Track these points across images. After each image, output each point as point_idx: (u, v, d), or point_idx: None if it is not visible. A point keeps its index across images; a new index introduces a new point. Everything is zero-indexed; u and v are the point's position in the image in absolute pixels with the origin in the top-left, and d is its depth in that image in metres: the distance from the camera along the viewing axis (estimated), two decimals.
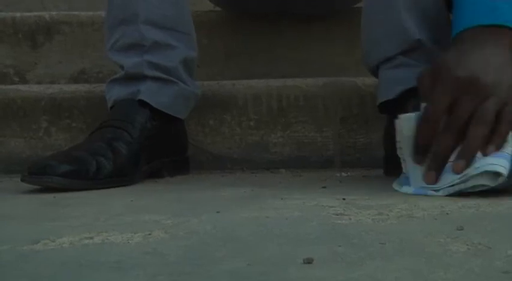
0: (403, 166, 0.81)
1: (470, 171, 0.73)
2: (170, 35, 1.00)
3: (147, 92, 0.99)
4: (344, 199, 0.75)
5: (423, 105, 0.79)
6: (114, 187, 0.91)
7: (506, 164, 0.72)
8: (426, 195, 0.76)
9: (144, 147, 0.97)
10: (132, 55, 0.99)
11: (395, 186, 0.82)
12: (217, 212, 0.68)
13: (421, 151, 0.78)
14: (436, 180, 0.76)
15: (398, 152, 0.81)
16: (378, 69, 0.98)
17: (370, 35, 0.99)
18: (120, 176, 0.93)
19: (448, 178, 0.75)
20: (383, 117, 1.04)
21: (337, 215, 0.65)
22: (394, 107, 0.95)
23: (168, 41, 1.00)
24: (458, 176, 0.73)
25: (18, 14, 1.40)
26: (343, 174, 1.05)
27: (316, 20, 1.36)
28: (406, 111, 0.93)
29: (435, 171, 0.76)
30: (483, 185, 0.73)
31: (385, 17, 0.95)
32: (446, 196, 0.75)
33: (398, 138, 0.82)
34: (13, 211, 0.73)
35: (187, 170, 1.08)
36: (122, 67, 1.01)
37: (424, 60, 0.93)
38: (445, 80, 0.75)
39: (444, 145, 0.75)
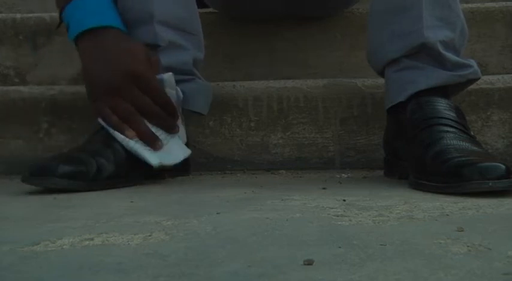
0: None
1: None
2: (182, 36, 1.00)
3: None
4: (344, 200, 0.75)
5: None
6: (115, 188, 0.91)
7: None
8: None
9: None
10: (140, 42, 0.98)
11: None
12: (218, 213, 0.68)
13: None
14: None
15: None
16: (384, 70, 0.98)
17: (375, 37, 0.99)
18: (121, 177, 0.93)
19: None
20: (383, 118, 1.04)
21: (338, 216, 0.65)
22: (398, 109, 0.96)
23: (180, 42, 1.00)
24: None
25: (18, 16, 1.40)
26: (344, 175, 1.05)
27: (316, 21, 1.36)
28: (406, 112, 0.93)
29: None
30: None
31: (389, 20, 0.95)
32: (447, 196, 0.76)
33: None
34: (13, 212, 0.73)
35: (188, 171, 1.08)
36: None
37: (429, 62, 0.93)
38: (89, 91, 0.96)
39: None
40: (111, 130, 0.93)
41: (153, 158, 0.94)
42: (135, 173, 0.96)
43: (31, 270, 0.47)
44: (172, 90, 0.97)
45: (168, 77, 0.96)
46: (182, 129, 1.00)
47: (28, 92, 1.15)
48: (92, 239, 0.56)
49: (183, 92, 1.00)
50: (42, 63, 1.38)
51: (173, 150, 0.97)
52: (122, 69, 0.92)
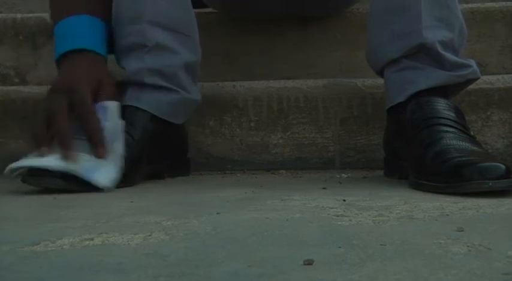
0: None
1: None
2: (174, 37, 0.99)
3: (146, 100, 0.98)
4: (344, 200, 0.75)
5: None
6: (115, 188, 0.91)
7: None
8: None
9: (145, 148, 0.97)
10: (134, 58, 0.98)
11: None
12: (218, 213, 0.68)
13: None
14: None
15: None
16: (383, 71, 0.98)
17: (375, 37, 0.99)
18: (121, 177, 0.93)
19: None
20: (383, 118, 1.04)
21: (338, 216, 0.65)
22: (398, 109, 0.96)
23: (171, 44, 0.99)
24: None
25: (19, 16, 1.40)
26: (344, 175, 1.05)
27: (316, 21, 1.36)
28: (406, 112, 0.93)
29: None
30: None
31: (389, 20, 0.95)
32: (447, 196, 0.76)
33: None
34: (13, 212, 0.73)
35: (188, 172, 1.08)
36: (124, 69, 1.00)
37: (428, 62, 0.93)
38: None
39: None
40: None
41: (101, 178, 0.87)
42: (135, 173, 0.96)
43: (31, 270, 0.47)
44: (111, 122, 0.92)
45: (111, 105, 0.94)
46: (110, 165, 0.91)
47: (28, 92, 1.15)
48: (92, 239, 0.56)
49: (161, 102, 0.99)
50: (42, 63, 1.38)
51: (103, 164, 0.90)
52: (66, 89, 0.92)
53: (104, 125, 0.92)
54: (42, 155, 0.87)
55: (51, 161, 0.86)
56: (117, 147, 0.92)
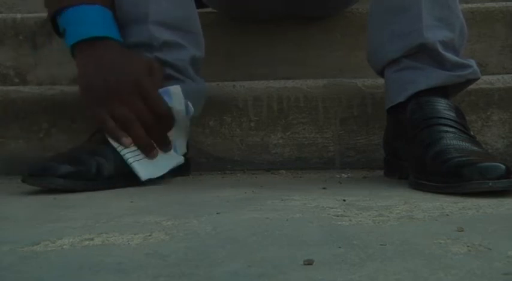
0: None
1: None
2: (179, 35, 0.99)
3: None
4: (344, 200, 0.75)
5: None
6: (115, 188, 0.91)
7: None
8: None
9: None
10: (142, 53, 0.98)
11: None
12: (218, 213, 0.68)
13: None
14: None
15: None
16: (384, 70, 0.98)
17: (375, 37, 0.99)
18: (120, 177, 0.93)
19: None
20: (383, 118, 1.04)
21: (338, 216, 0.65)
22: (398, 109, 0.96)
23: (177, 40, 0.99)
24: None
25: (19, 16, 1.40)
26: (344, 175, 1.05)
27: (316, 21, 1.36)
28: (406, 112, 0.93)
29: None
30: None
31: (389, 20, 0.95)
32: (447, 196, 0.76)
33: None
34: (13, 212, 0.73)
35: (188, 172, 1.08)
36: None
37: (429, 62, 0.93)
38: (86, 97, 0.95)
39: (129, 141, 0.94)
40: (108, 137, 0.93)
41: (143, 172, 0.93)
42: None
43: (31, 270, 0.47)
44: (180, 106, 0.96)
45: (175, 90, 0.95)
46: (182, 142, 1.01)
47: (28, 92, 1.15)
48: (92, 239, 0.56)
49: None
50: (42, 63, 1.38)
51: (162, 160, 0.96)
52: (124, 78, 0.93)
53: (173, 108, 0.95)
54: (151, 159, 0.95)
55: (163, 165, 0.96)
56: (185, 129, 1.00)
